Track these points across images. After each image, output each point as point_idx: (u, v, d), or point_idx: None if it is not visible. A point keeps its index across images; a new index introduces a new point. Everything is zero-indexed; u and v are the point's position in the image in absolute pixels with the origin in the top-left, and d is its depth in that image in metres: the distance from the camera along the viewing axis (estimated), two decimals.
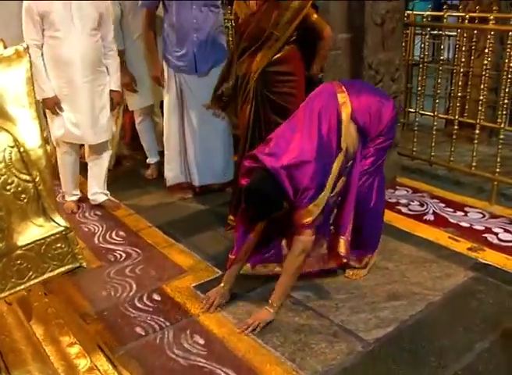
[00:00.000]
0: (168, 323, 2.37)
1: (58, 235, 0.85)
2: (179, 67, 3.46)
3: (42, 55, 3.22)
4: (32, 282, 0.74)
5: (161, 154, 4.22)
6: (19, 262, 0.73)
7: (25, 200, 0.69)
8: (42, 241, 0.79)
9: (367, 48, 3.32)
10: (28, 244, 0.75)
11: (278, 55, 2.87)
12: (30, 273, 0.75)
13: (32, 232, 0.77)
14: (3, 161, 0.67)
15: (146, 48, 3.64)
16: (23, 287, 0.74)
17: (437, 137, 4.05)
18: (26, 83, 0.76)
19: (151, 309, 2.48)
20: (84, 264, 0.89)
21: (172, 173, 3.73)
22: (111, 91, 3.41)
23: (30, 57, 0.80)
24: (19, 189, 0.67)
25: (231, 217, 3.18)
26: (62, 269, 0.81)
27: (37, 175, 0.72)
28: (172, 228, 3.31)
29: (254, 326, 2.27)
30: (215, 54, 3.41)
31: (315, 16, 2.88)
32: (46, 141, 0.74)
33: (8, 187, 0.67)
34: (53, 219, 0.85)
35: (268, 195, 2.24)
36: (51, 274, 0.82)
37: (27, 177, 0.67)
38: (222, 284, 2.49)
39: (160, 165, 4.17)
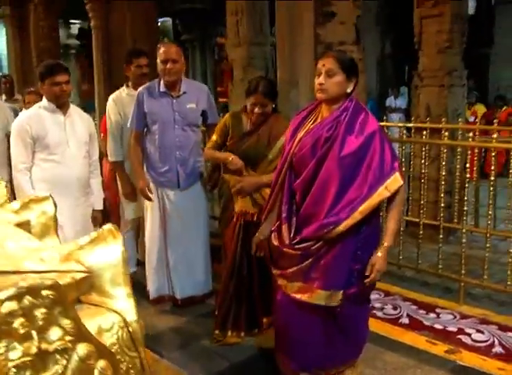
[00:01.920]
0: None
1: None
2: (161, 182, 3.60)
3: (30, 177, 3.14)
4: None
5: (139, 263, 4.25)
6: None
7: None
8: None
9: None
10: None
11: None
12: None
13: None
14: (117, 342, 0.75)
15: (132, 164, 3.77)
16: None
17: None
18: (122, 262, 0.86)
19: None
20: None
21: (154, 286, 3.74)
22: (93, 210, 3.42)
23: (120, 237, 0.90)
24: (130, 366, 0.75)
25: (217, 332, 3.19)
26: None
27: (142, 350, 0.79)
28: (157, 343, 3.27)
29: (376, 278, 2.33)
30: (196, 170, 3.58)
31: None
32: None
33: (121, 366, 0.74)
34: None
35: None
36: None
37: (135, 354, 0.75)
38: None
39: (137, 275, 4.18)
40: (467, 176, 4.40)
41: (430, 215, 4.60)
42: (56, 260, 0.84)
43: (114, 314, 0.79)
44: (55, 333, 0.64)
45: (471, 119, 8.30)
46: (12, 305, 0.60)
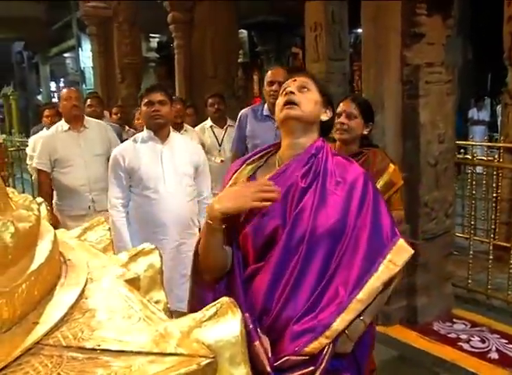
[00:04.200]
0: None
1: None
2: None
3: (128, 213, 2.83)
4: None
5: None
6: None
7: None
8: None
9: (422, 187, 3.47)
10: None
11: None
12: None
13: None
14: None
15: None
16: None
17: (480, 261, 4.12)
18: (241, 341, 0.85)
19: None
20: None
21: None
22: None
23: (239, 312, 0.89)
24: None
25: None
26: None
27: None
28: None
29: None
30: None
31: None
32: None
33: None
34: None
35: None
36: None
37: None
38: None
39: None
40: None
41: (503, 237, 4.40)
42: (176, 338, 0.85)
43: None
44: None
45: None
46: None
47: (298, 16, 6.18)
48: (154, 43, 13.28)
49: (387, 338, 3.46)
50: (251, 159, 1.70)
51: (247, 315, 1.51)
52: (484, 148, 5.64)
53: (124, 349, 0.79)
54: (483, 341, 3.47)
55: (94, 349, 0.80)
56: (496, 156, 4.68)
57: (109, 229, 1.57)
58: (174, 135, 2.99)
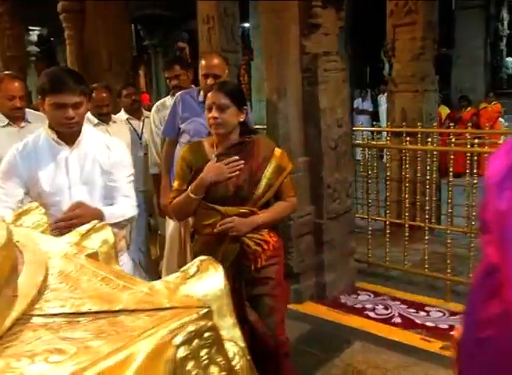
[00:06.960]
0: None
1: None
2: None
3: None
4: None
5: None
6: None
7: None
8: None
9: (324, 169, 3.68)
10: None
11: None
12: None
13: None
14: (241, 372, 0.80)
15: (162, 174, 3.49)
16: None
17: (377, 237, 4.52)
18: (226, 294, 0.91)
19: None
20: None
21: None
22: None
23: (220, 269, 0.94)
24: None
25: None
26: None
27: None
28: None
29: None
30: None
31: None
32: None
33: None
34: None
35: None
36: None
37: None
38: None
39: None
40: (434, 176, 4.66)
41: (395, 214, 4.81)
42: (165, 294, 0.88)
43: (232, 344, 0.83)
44: (214, 371, 0.68)
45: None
46: (185, 350, 0.64)
47: (186, 10, 6.18)
48: (34, 36, 12.57)
49: (299, 315, 3.65)
50: None
51: None
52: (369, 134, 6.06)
53: (121, 308, 0.81)
54: (386, 308, 3.77)
55: (87, 313, 0.82)
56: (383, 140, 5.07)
57: (45, 213, 1.53)
58: (86, 135, 2.27)
